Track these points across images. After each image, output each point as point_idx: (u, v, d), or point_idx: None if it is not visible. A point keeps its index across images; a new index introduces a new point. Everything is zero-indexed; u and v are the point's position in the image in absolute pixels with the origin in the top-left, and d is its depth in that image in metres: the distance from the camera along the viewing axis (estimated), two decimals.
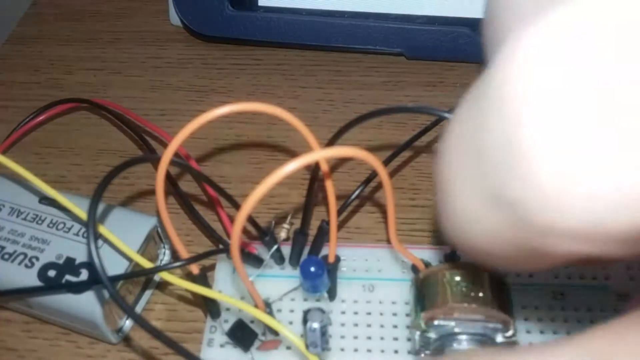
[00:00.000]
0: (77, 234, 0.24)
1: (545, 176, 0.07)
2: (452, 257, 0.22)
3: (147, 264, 0.21)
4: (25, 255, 0.23)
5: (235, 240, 0.16)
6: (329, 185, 0.19)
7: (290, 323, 0.22)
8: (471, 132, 0.08)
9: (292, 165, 0.15)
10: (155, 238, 0.25)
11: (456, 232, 0.10)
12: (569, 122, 0.07)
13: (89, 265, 0.23)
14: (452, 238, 0.10)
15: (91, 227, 0.18)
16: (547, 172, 0.07)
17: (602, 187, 0.07)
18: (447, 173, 0.09)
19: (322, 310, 0.18)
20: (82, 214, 0.21)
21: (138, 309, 0.25)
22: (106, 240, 0.22)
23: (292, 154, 0.30)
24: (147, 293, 0.25)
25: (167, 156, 0.17)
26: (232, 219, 0.24)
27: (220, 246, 0.24)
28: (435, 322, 0.19)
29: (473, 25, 0.32)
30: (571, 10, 0.07)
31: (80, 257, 0.23)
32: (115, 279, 0.21)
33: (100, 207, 0.24)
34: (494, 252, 0.09)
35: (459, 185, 0.09)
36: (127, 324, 0.24)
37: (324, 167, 0.19)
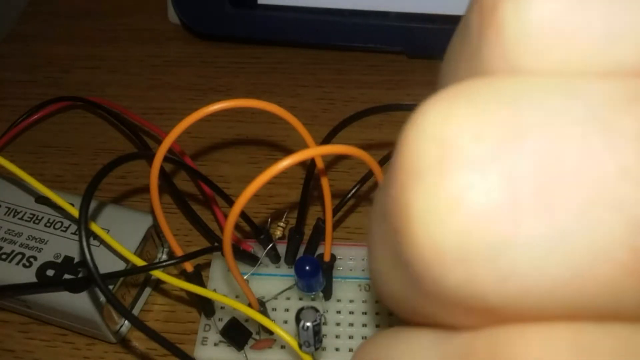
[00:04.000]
0: (74, 233, 0.23)
1: (428, 241, 0.07)
2: None
3: (141, 263, 0.21)
4: (23, 255, 0.23)
5: (227, 237, 0.16)
6: (325, 183, 0.19)
7: (285, 322, 0.22)
8: (382, 198, 0.09)
9: (285, 162, 0.15)
10: (155, 238, 0.24)
11: (377, 290, 0.10)
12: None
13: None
14: (377, 294, 0.11)
15: (83, 225, 0.17)
16: (430, 238, 0.07)
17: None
18: (369, 236, 0.10)
19: (315, 309, 0.18)
20: (77, 213, 0.21)
21: (136, 310, 0.24)
22: (102, 240, 0.21)
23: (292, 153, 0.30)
24: (145, 294, 0.25)
25: (161, 152, 0.17)
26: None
27: (216, 244, 0.23)
28: None
29: None
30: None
31: (79, 255, 0.23)
32: (107, 276, 0.21)
33: (98, 206, 0.24)
34: (406, 311, 0.09)
35: (374, 247, 0.09)
36: (126, 323, 0.24)
37: (320, 164, 0.18)
